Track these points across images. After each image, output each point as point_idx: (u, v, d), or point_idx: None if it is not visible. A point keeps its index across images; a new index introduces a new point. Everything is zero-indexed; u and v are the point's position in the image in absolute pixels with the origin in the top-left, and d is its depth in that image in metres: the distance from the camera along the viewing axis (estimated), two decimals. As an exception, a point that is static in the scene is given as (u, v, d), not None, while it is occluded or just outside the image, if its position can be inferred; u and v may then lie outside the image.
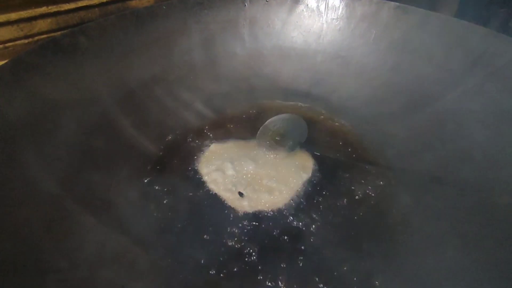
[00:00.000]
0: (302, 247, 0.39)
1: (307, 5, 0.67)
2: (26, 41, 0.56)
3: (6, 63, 0.41)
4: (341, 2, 0.64)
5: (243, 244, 0.39)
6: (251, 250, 0.38)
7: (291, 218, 0.42)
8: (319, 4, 0.66)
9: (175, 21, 0.61)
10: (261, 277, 0.36)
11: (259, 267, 0.37)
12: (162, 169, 0.49)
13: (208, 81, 0.64)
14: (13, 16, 0.53)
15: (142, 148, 0.51)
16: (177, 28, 0.62)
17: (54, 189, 0.37)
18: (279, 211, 0.43)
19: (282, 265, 0.37)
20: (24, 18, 0.54)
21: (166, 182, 0.47)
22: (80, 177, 0.41)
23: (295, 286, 0.35)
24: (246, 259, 0.38)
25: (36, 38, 0.57)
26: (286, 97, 0.65)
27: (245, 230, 0.41)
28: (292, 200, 0.45)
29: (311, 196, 0.45)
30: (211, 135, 0.55)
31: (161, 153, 0.52)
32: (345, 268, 0.37)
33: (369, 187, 0.46)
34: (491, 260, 0.35)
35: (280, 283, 0.36)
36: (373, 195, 0.45)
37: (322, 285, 0.35)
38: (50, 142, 0.40)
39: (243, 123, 0.59)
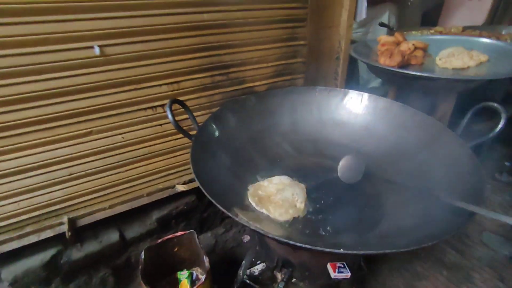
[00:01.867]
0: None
1: (351, 97, 1.20)
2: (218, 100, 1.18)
3: (220, 108, 0.99)
4: (369, 98, 1.16)
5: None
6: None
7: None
8: (358, 98, 1.19)
9: (277, 99, 1.18)
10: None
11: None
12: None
13: (292, 133, 1.17)
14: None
15: (258, 158, 1.03)
16: (278, 103, 1.18)
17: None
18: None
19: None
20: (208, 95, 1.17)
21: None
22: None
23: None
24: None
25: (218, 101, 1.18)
26: (335, 146, 1.14)
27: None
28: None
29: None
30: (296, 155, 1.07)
31: (266, 162, 1.04)
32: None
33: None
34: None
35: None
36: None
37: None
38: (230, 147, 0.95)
39: (310, 158, 1.09)
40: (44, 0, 0.80)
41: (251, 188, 0.93)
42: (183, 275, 1.25)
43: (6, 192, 0.96)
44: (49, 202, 1.04)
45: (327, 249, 0.59)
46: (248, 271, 1.11)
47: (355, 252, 0.58)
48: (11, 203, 0.98)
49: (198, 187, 1.29)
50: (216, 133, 0.98)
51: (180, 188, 1.26)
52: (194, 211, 1.41)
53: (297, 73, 1.36)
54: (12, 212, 1.00)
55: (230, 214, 0.68)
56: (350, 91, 1.21)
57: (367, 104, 1.17)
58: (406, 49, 1.45)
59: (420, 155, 0.97)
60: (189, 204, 1.36)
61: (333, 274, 0.88)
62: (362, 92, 1.18)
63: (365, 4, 1.45)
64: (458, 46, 1.40)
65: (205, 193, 0.71)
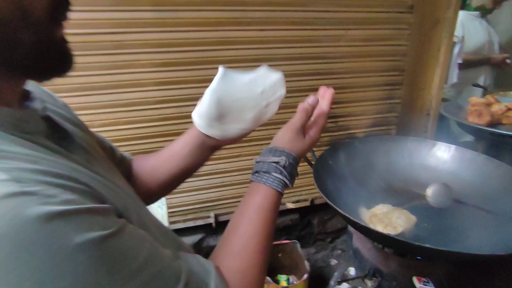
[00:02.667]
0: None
1: (439, 148, 1.44)
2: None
3: (328, 148, 1.36)
4: (456, 149, 1.38)
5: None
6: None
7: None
8: (446, 149, 1.42)
9: (374, 144, 1.50)
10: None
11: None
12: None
13: (385, 172, 1.46)
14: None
15: (358, 188, 1.35)
16: (375, 147, 1.50)
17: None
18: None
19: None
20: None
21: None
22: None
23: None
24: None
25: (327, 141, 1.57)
26: (423, 186, 1.38)
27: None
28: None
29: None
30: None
31: (364, 191, 1.34)
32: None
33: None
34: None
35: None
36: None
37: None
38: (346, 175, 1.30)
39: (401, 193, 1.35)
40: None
41: (364, 210, 1.24)
42: (282, 277, 1.58)
43: (185, 188, 1.48)
44: (205, 200, 1.52)
45: (435, 247, 0.83)
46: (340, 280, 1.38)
47: (457, 251, 0.84)
48: (185, 196, 1.49)
49: (302, 207, 1.65)
50: (329, 163, 1.34)
51: (290, 205, 1.63)
52: (295, 228, 1.75)
53: (391, 124, 1.67)
54: (183, 203, 1.50)
55: (345, 214, 1.01)
56: (439, 142, 1.46)
57: (454, 154, 1.40)
58: (497, 109, 1.63)
59: (502, 200, 1.15)
60: (293, 220, 1.71)
61: (418, 285, 1.09)
62: (450, 144, 1.42)
63: (456, 70, 1.72)
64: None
65: (328, 201, 1.06)
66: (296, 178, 0.55)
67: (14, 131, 0.30)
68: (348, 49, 1.43)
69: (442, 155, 1.45)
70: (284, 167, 0.51)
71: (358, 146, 1.47)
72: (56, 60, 0.34)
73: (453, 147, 1.42)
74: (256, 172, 0.51)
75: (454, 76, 1.75)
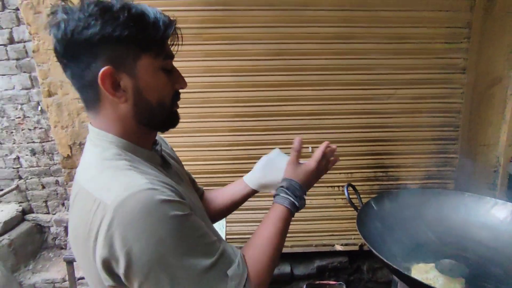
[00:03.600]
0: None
1: (504, 207, 1.40)
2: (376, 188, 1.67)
3: (376, 196, 1.47)
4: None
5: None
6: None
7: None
8: (505, 212, 1.38)
9: (426, 197, 1.53)
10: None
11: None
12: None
13: (437, 225, 1.47)
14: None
15: (405, 238, 1.39)
16: (427, 199, 1.53)
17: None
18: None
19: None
20: (370, 184, 1.66)
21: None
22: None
23: None
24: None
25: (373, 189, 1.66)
26: (481, 246, 1.35)
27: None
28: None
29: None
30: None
31: (411, 242, 1.38)
32: None
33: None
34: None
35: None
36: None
37: None
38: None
39: (452, 249, 1.35)
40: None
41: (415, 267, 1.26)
42: (328, 318, 1.64)
43: (243, 219, 1.71)
44: (260, 232, 1.73)
45: None
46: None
47: None
48: (242, 226, 1.72)
49: (352, 251, 1.73)
50: (376, 211, 1.44)
51: (338, 247, 1.73)
52: (343, 271, 1.81)
53: (447, 179, 1.68)
54: (238, 232, 1.73)
55: (386, 261, 1.11)
56: (501, 201, 1.42)
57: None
58: None
59: None
60: (342, 263, 1.78)
61: None
62: (512, 203, 1.38)
63: (523, 128, 1.67)
64: None
65: (368, 245, 1.17)
66: (303, 198, 0.71)
67: (147, 162, 0.57)
68: (398, 105, 1.57)
69: (505, 215, 1.41)
70: (287, 188, 0.68)
71: (408, 197, 1.52)
72: (172, 122, 0.62)
73: (515, 207, 1.38)
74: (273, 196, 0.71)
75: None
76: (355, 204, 1.46)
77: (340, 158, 1.63)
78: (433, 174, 1.67)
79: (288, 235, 1.69)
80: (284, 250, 1.72)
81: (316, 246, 1.74)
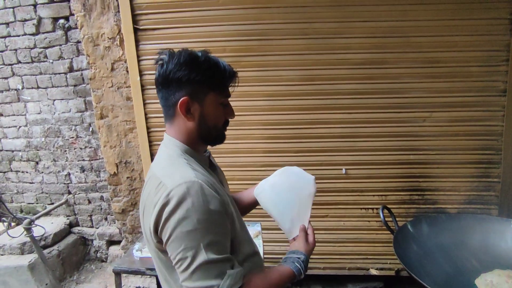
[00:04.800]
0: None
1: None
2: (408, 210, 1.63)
3: (412, 219, 1.43)
4: None
5: None
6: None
7: None
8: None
9: (468, 222, 1.47)
10: None
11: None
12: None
13: (481, 253, 1.40)
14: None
15: (444, 263, 1.34)
16: (469, 225, 1.47)
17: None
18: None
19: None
20: (406, 207, 1.62)
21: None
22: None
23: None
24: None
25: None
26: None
27: None
28: None
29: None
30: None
31: (451, 269, 1.32)
32: None
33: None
34: None
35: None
36: None
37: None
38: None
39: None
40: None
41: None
42: None
43: (279, 239, 1.73)
44: (292, 252, 1.73)
45: None
46: None
47: None
48: (277, 246, 1.74)
49: (386, 276, 1.68)
50: (413, 234, 1.41)
51: (373, 272, 1.68)
52: (379, 297, 1.75)
53: (490, 204, 1.61)
54: (274, 252, 1.74)
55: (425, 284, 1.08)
56: (551, 229, 1.34)
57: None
58: None
59: None
60: (376, 288, 1.72)
61: None
62: None
63: None
64: None
65: (406, 269, 1.15)
66: (306, 266, 0.80)
67: (199, 163, 0.77)
68: (433, 128, 1.56)
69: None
70: (303, 262, 0.80)
71: (447, 222, 1.48)
72: (220, 140, 0.82)
73: None
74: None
75: None
76: (391, 227, 1.44)
77: (374, 180, 1.64)
78: (474, 199, 1.61)
79: (320, 256, 1.69)
80: (316, 272, 1.72)
81: (350, 270, 1.71)
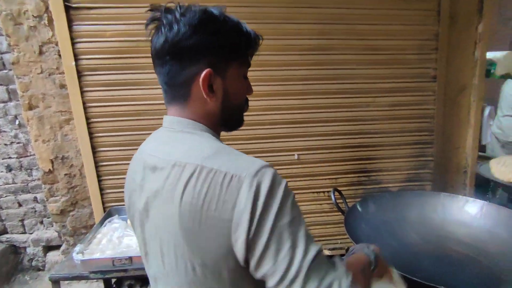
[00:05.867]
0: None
1: (474, 204, 1.50)
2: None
3: (360, 200, 1.52)
4: (491, 206, 1.43)
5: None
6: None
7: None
8: (480, 205, 1.47)
9: (407, 199, 1.60)
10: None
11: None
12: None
13: (419, 225, 1.54)
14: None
15: (389, 238, 1.45)
16: (407, 201, 1.60)
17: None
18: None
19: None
20: (354, 189, 1.72)
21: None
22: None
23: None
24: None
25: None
26: (458, 242, 1.43)
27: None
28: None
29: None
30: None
31: (395, 243, 1.43)
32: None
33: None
34: None
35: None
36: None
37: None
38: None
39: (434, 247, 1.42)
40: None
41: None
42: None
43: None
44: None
45: None
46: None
47: None
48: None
49: (339, 255, 1.76)
50: (361, 214, 1.49)
51: (326, 252, 1.75)
52: (332, 276, 1.83)
53: (425, 180, 1.77)
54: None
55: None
56: (472, 199, 1.52)
57: (488, 211, 1.44)
58: (535, 169, 1.65)
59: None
60: (330, 268, 1.80)
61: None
62: (483, 201, 1.48)
63: (489, 131, 1.81)
64: None
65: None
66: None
67: None
68: (377, 113, 1.66)
69: (476, 211, 1.50)
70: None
71: (390, 199, 1.59)
72: (240, 124, 0.68)
73: (486, 204, 1.47)
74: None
75: (487, 136, 1.83)
76: (342, 208, 1.51)
77: (325, 164, 1.70)
78: (412, 177, 1.76)
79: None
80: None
81: (305, 253, 1.76)
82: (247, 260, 0.50)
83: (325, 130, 1.66)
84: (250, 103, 1.65)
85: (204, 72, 0.56)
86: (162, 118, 0.63)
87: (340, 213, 1.49)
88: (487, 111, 1.95)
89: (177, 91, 0.59)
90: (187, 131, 0.59)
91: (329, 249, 1.77)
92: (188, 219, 0.51)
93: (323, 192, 1.71)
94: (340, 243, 1.77)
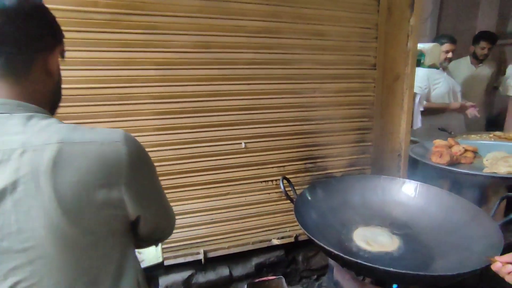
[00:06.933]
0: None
1: (408, 185, 1.61)
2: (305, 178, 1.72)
3: (308, 186, 1.52)
4: (422, 186, 1.55)
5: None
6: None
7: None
8: (414, 186, 1.59)
9: (350, 183, 1.65)
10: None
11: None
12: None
13: (361, 208, 1.60)
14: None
15: (335, 223, 1.47)
16: (351, 185, 1.66)
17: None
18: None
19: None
20: (302, 176, 1.72)
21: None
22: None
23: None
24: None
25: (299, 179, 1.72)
26: (396, 221, 1.52)
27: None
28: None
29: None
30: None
31: (341, 226, 1.47)
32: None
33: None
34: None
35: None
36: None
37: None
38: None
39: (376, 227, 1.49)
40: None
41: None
42: (269, 314, 1.63)
43: (176, 224, 1.57)
44: (195, 236, 1.62)
45: (410, 272, 0.95)
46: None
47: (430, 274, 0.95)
48: (176, 233, 1.58)
49: (287, 244, 1.75)
50: (310, 201, 1.48)
51: (275, 241, 1.73)
52: (280, 264, 1.83)
53: (366, 165, 1.85)
54: (174, 239, 1.59)
55: (321, 244, 1.13)
56: (408, 180, 1.63)
57: (421, 191, 1.57)
58: (456, 151, 1.84)
59: (462, 230, 1.30)
60: (279, 257, 1.79)
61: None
62: (417, 182, 1.60)
63: (419, 117, 1.96)
64: (500, 151, 1.75)
65: (307, 234, 1.19)
66: None
67: None
68: (322, 99, 1.66)
69: (411, 192, 1.62)
70: None
71: (335, 185, 1.63)
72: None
73: (419, 184, 1.59)
74: None
75: (418, 122, 1.99)
76: (291, 196, 1.49)
77: (273, 152, 1.65)
78: (354, 162, 1.82)
79: (224, 236, 1.62)
80: (221, 252, 1.66)
81: (254, 244, 1.72)
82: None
83: (272, 117, 1.61)
84: (193, 88, 1.59)
85: (56, 47, 0.61)
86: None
87: (289, 201, 1.47)
88: (417, 98, 2.11)
89: (13, 62, 0.55)
90: (26, 117, 0.54)
91: (278, 238, 1.75)
92: (72, 199, 0.50)
93: (272, 181, 1.67)
94: (289, 230, 1.77)
